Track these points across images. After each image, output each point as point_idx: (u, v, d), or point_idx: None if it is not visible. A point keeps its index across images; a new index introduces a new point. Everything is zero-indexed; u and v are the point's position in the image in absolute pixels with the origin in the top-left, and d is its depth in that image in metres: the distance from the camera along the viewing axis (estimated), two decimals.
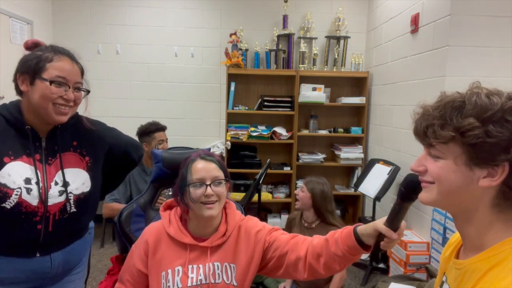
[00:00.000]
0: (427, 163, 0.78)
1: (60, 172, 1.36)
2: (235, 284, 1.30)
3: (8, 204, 1.24)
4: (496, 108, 0.69)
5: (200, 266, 1.30)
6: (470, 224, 0.77)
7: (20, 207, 1.26)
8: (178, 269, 1.30)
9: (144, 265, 1.34)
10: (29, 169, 1.30)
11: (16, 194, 1.25)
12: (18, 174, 1.27)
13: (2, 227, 1.27)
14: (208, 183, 1.31)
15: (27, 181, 1.28)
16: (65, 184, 1.35)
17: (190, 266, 1.30)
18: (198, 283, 1.28)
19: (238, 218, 1.41)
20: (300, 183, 4.26)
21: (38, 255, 1.33)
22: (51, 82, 1.26)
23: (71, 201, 1.36)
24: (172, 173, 1.71)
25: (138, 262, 1.35)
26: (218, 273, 1.30)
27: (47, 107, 1.27)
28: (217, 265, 1.31)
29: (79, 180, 1.40)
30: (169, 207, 1.46)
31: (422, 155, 0.80)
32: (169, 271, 1.30)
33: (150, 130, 2.97)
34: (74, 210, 1.37)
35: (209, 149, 2.27)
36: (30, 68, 1.26)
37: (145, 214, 2.02)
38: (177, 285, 1.27)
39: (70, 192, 1.36)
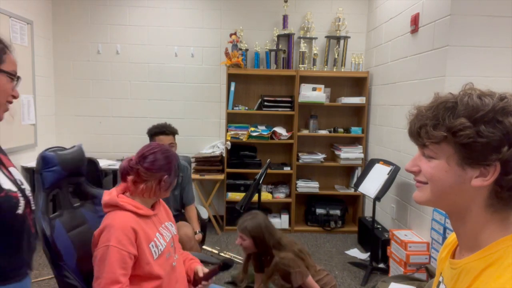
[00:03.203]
0: (421, 163, 0.80)
1: (14, 169, 1.20)
2: (175, 232, 1.71)
3: (20, 209, 1.10)
4: (488, 109, 0.70)
5: (163, 225, 1.64)
6: (464, 224, 0.78)
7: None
8: (157, 235, 1.56)
9: (135, 248, 1.46)
10: None
11: (20, 197, 1.11)
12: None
13: (13, 242, 1.10)
14: None
15: (14, 182, 1.14)
16: (21, 183, 1.19)
17: (160, 229, 1.61)
18: (169, 238, 1.62)
19: None
20: (300, 183, 4.27)
21: (28, 274, 1.18)
22: (11, 76, 1.12)
23: (31, 201, 1.21)
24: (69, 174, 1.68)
25: (131, 248, 1.44)
26: (169, 228, 1.67)
27: (0, 104, 1.13)
28: (165, 224, 1.66)
29: (23, 178, 1.23)
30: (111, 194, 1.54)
31: (416, 156, 0.82)
32: (155, 239, 1.54)
33: (152, 133, 2.77)
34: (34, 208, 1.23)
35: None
36: None
37: None
38: (162, 245, 1.55)
39: (29, 191, 1.21)
